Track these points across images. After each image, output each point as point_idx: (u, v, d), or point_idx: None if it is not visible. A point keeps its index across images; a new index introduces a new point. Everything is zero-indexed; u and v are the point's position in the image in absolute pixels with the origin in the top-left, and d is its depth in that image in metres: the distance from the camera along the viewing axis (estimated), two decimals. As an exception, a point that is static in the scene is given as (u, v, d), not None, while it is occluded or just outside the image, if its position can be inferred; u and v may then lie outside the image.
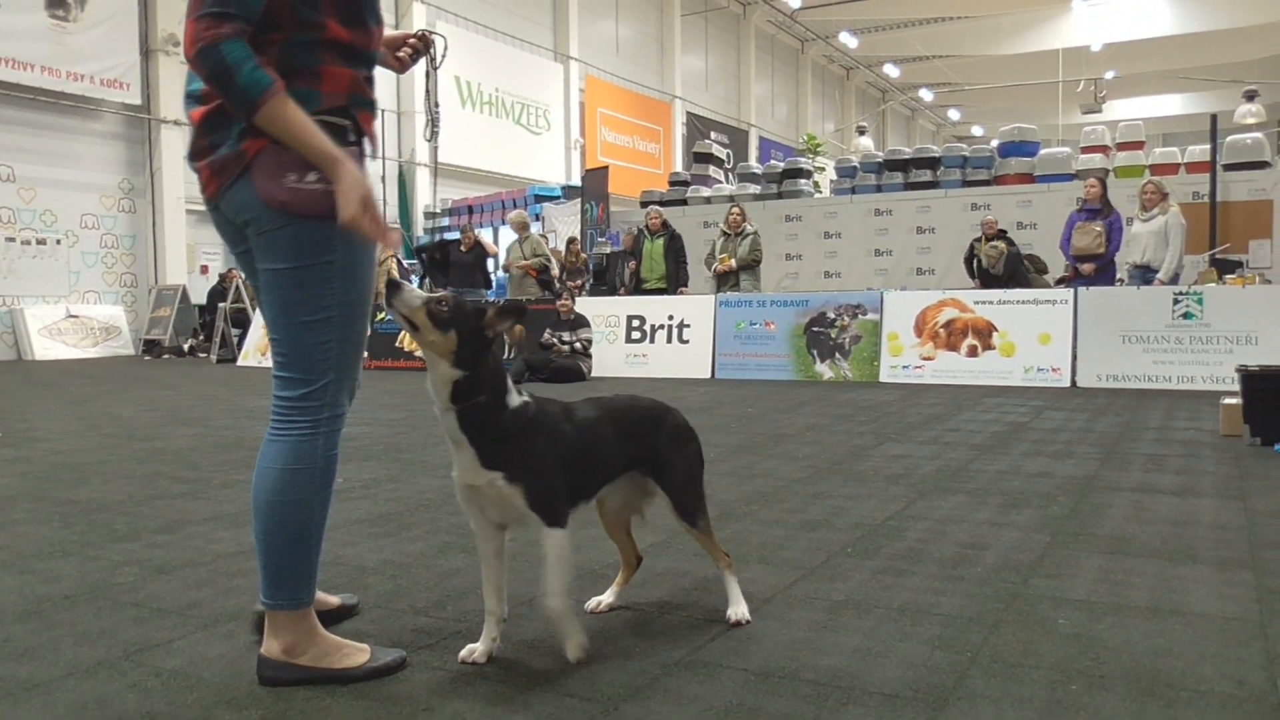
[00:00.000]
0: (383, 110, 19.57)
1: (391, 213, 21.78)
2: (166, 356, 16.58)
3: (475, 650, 2.22)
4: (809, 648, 2.27)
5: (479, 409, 2.10)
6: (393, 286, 2.07)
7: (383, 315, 13.23)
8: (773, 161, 19.68)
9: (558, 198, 19.31)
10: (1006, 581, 2.76)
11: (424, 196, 23.40)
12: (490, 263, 14.20)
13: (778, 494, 4.06)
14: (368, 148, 2.09)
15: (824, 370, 9.85)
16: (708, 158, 18.35)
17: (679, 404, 2.66)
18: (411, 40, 2.39)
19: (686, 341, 10.72)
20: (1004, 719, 1.87)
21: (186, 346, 16.74)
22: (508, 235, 15.26)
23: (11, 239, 16.51)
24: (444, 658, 2.25)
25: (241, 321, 15.43)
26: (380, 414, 7.38)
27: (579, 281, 15.55)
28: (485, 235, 17.36)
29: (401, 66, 2.39)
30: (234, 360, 14.40)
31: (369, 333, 2.25)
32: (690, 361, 10.57)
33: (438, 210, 22.77)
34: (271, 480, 2.05)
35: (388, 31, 2.34)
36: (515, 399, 2.16)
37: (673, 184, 17.64)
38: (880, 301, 9.76)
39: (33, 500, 4.13)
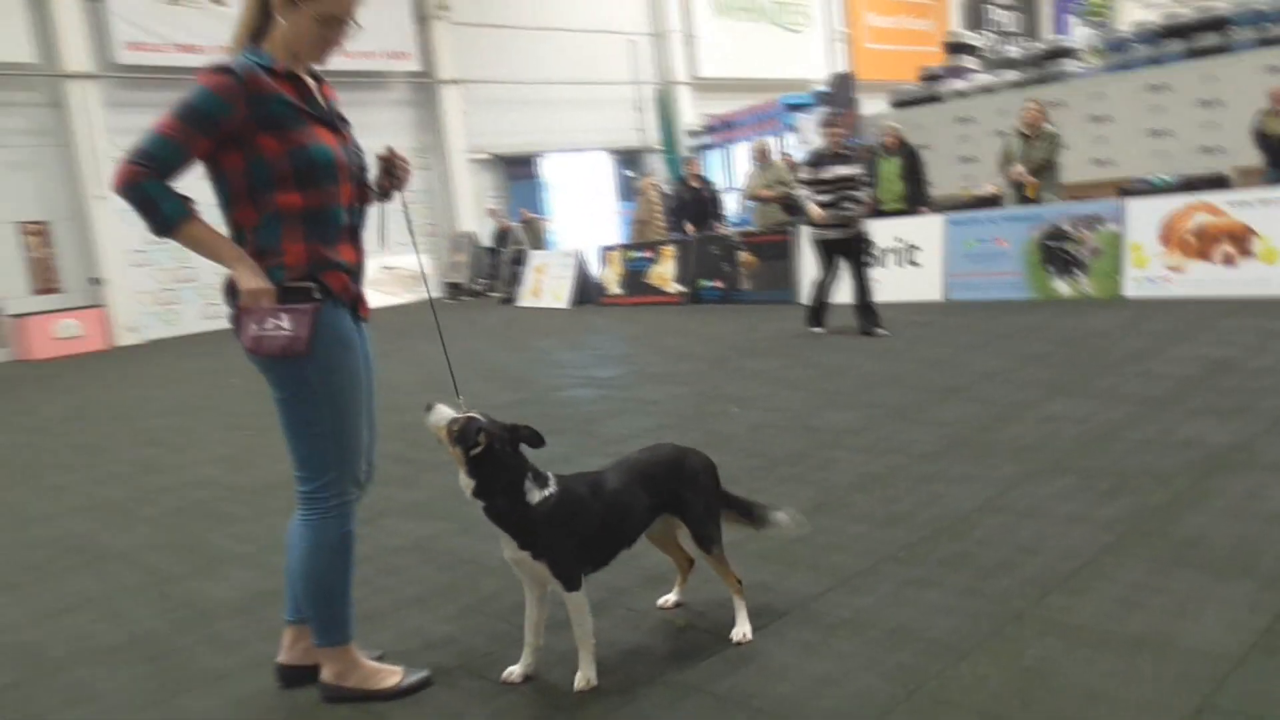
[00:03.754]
0: (635, 36, 20.28)
1: (652, 136, 22.45)
2: (465, 298, 18.54)
3: (513, 672, 2.78)
4: (778, 673, 2.62)
5: (499, 509, 2.60)
6: (428, 408, 2.61)
7: (632, 253, 14.02)
8: (1055, 35, 17.99)
9: (810, 106, 19.00)
10: (1022, 599, 2.90)
11: (686, 115, 23.86)
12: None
13: (887, 478, 4.26)
14: (343, 299, 2.61)
15: (1061, 287, 9.34)
16: (962, 48, 17.22)
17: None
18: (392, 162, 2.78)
19: (918, 264, 10.52)
20: (889, 763, 2.16)
21: (480, 288, 18.58)
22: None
23: (335, 205, 19.03)
24: (502, 668, 2.83)
25: (522, 261, 16.86)
26: (597, 371, 8.10)
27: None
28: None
29: (389, 188, 2.81)
30: (514, 301, 15.88)
31: (364, 434, 2.76)
32: (921, 284, 10.39)
33: (699, 128, 23.16)
34: (300, 556, 2.68)
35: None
36: (535, 495, 2.60)
37: (923, 79, 16.80)
38: (1121, 210, 9.04)
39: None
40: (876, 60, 28.48)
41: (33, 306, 15.63)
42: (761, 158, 13.56)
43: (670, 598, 3.14)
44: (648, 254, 13.64)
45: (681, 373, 7.62)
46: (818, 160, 8.55)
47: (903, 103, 16.54)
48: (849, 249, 8.53)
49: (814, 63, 26.31)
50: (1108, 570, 3.04)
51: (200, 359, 12.42)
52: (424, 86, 19.85)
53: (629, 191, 22.85)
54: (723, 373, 7.39)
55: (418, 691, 2.75)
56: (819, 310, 8.83)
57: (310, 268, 2.55)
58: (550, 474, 2.68)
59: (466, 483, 2.59)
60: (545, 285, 15.13)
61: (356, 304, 2.70)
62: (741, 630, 2.85)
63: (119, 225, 15.93)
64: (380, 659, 2.87)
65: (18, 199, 15.56)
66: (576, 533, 2.66)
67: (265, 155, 2.47)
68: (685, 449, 2.97)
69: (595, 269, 14.55)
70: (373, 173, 2.80)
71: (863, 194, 8.49)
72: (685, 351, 8.73)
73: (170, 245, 2.70)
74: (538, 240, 18.27)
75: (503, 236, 18.06)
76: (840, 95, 17.24)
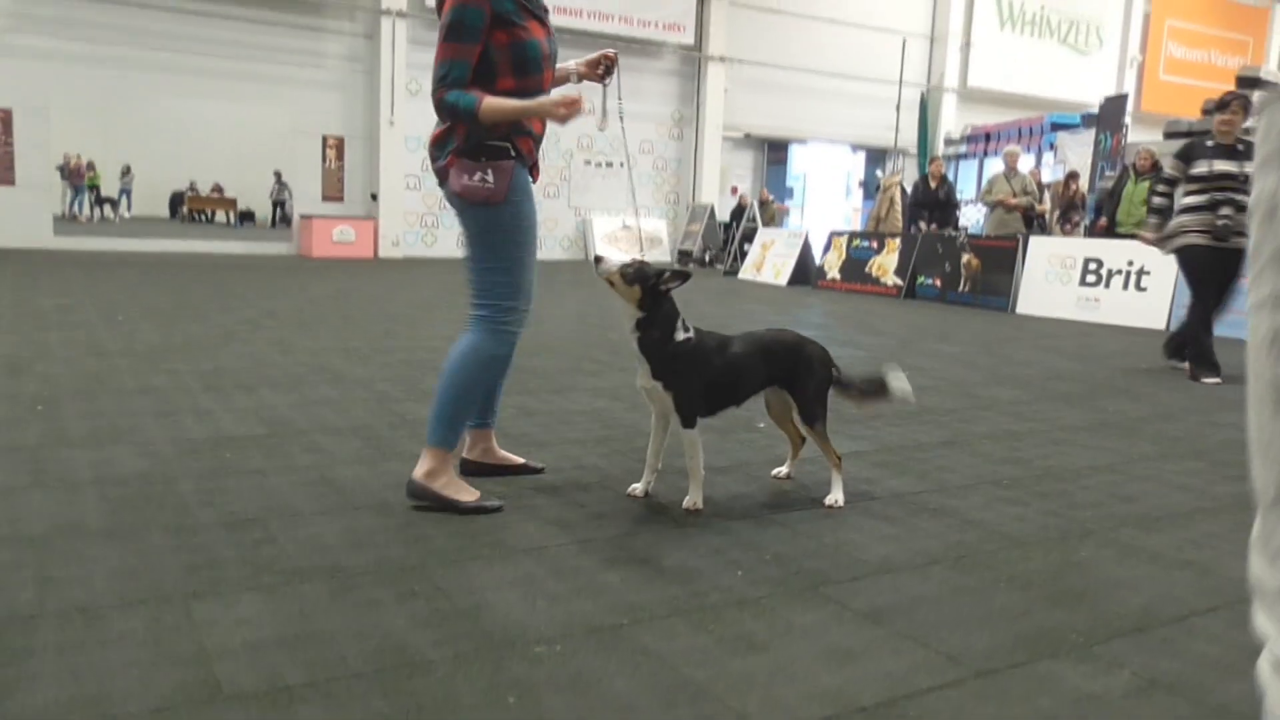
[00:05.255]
0: (905, 38, 20.29)
1: (906, 137, 22.25)
2: (692, 265, 19.32)
3: (636, 488, 3.36)
4: (852, 528, 3.05)
5: (652, 339, 3.17)
6: (597, 260, 3.18)
7: (857, 241, 14.23)
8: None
9: (1075, 126, 18.35)
10: (1098, 524, 3.16)
11: (947, 123, 23.53)
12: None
13: (1021, 435, 4.50)
14: (527, 161, 3.16)
15: (1299, 334, 8.82)
16: (1254, 83, 16.04)
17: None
18: (605, 58, 3.38)
19: (1144, 289, 10.20)
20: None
21: (707, 258, 19.32)
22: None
23: (588, 161, 20.35)
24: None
25: (751, 238, 17.41)
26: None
27: (1075, 219, 14.98)
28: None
29: (599, 79, 3.40)
30: (736, 274, 16.46)
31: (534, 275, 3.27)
32: (1145, 310, 10.07)
33: (957, 137, 22.79)
34: (455, 358, 3.23)
35: (588, 56, 3.37)
36: (681, 335, 3.17)
37: (1205, 112, 15.82)
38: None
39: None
40: (1167, 93, 26.89)
41: (319, 210, 17.80)
42: (1011, 166, 13.45)
43: (783, 469, 3.63)
44: (873, 244, 13.82)
45: (867, 343, 7.93)
46: (1191, 153, 6.83)
47: (1175, 134, 15.70)
48: (1220, 266, 6.59)
49: (1093, 87, 25.14)
50: (1191, 521, 3.24)
51: (449, 277, 13.82)
52: (692, 60, 20.74)
53: (874, 190, 22.83)
54: (906, 349, 7.64)
55: (481, 514, 3.09)
56: (1185, 341, 7.04)
57: (509, 131, 3.12)
58: (691, 324, 3.22)
59: (632, 315, 3.13)
60: (768, 261, 15.59)
61: (533, 167, 3.29)
62: (834, 497, 3.29)
63: (402, 150, 17.81)
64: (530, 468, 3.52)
65: (326, 115, 17.75)
66: (701, 376, 3.18)
67: (494, 45, 3.05)
68: (806, 338, 3.42)
69: (819, 253, 14.86)
70: (587, 58, 3.39)
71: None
72: (879, 329, 9.00)
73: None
74: (771, 222, 18.75)
75: (739, 213, 18.67)
76: (1110, 119, 16.56)
